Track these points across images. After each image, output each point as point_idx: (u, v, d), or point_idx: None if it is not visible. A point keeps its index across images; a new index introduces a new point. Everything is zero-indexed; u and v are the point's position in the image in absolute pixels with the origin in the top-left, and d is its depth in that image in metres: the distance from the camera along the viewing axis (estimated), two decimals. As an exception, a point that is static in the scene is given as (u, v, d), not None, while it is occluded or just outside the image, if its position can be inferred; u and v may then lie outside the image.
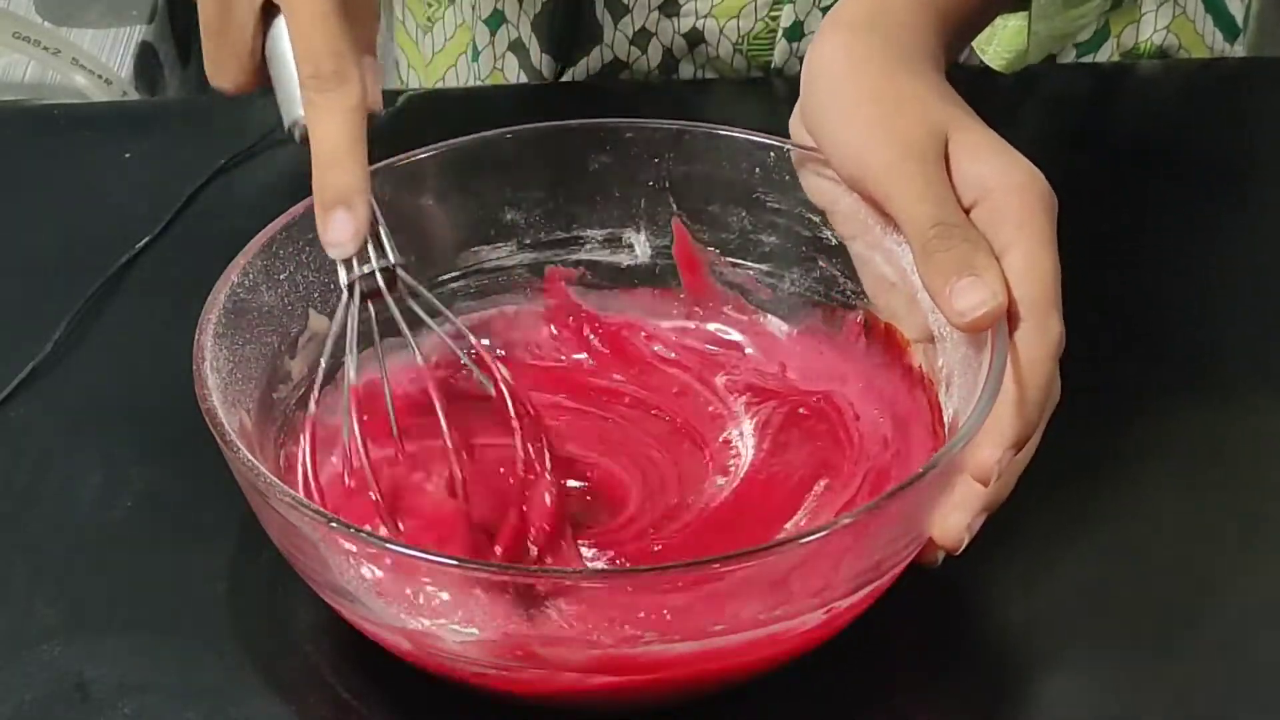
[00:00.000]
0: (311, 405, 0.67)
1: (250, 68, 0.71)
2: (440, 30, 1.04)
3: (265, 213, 0.71)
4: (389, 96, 0.98)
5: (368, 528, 0.64)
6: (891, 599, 0.64)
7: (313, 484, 0.67)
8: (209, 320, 0.66)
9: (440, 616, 0.59)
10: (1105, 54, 1.02)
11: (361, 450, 0.66)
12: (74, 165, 0.94)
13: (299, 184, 0.75)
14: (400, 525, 0.66)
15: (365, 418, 0.67)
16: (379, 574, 0.59)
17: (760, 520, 0.69)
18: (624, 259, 0.77)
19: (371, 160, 0.73)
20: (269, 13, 0.69)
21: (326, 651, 0.66)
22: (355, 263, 0.67)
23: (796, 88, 0.71)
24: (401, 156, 0.74)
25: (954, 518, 0.63)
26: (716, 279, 0.77)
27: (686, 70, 1.01)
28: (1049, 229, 0.65)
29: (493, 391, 0.69)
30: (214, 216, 0.89)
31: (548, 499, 0.67)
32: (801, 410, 0.73)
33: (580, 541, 0.68)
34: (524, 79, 1.02)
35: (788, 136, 0.73)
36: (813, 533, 0.58)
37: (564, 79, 1.01)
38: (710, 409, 0.74)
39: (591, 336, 0.77)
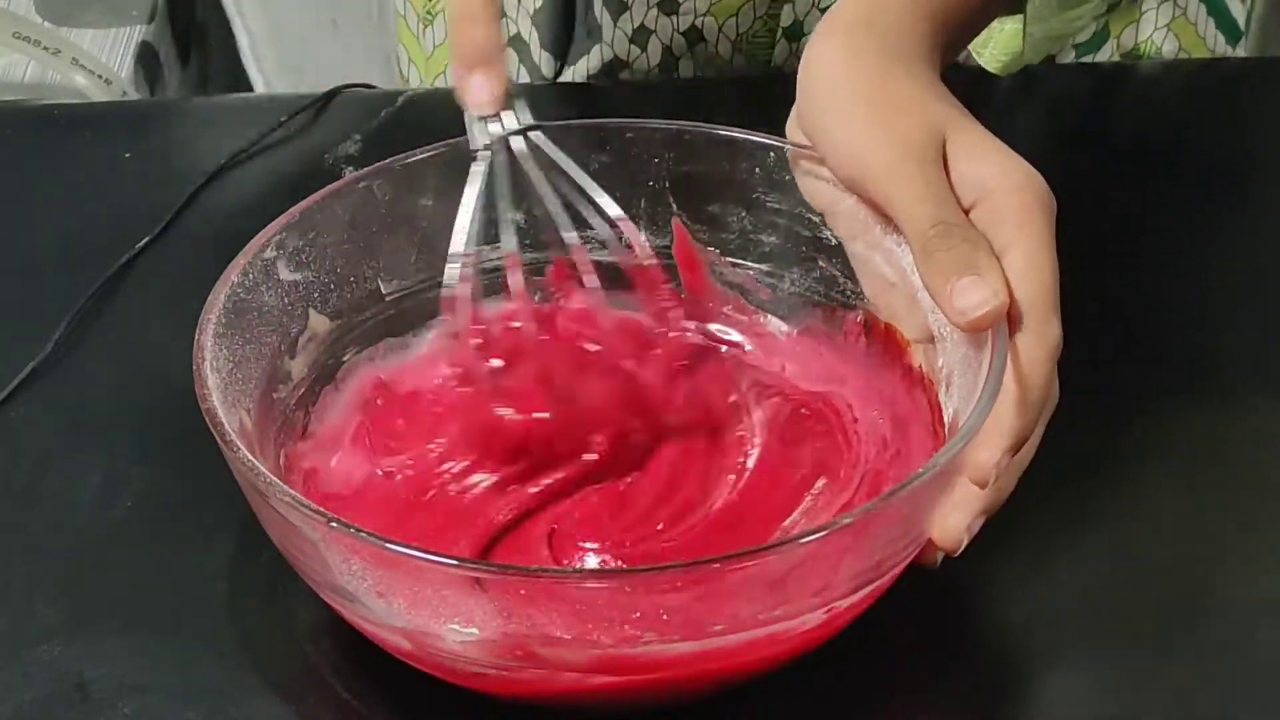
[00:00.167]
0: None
1: None
2: (441, 24, 1.04)
3: (265, 213, 0.71)
4: (389, 96, 0.98)
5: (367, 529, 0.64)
6: (891, 599, 0.64)
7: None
8: (209, 320, 0.66)
9: (440, 616, 0.59)
10: (1105, 55, 1.02)
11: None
12: (74, 165, 0.94)
13: (299, 184, 0.75)
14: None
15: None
16: (379, 574, 0.59)
17: (760, 520, 0.69)
18: (624, 259, 0.77)
19: (372, 160, 0.74)
20: None
21: (326, 651, 0.66)
22: (489, 124, 0.67)
23: (796, 87, 0.71)
24: (401, 156, 0.74)
25: (953, 519, 0.63)
26: (716, 279, 0.77)
27: (686, 68, 1.01)
28: (1048, 230, 0.65)
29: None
30: (214, 216, 0.89)
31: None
32: (802, 410, 0.73)
33: (589, 542, 0.68)
34: (524, 75, 1.02)
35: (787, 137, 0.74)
36: (813, 533, 0.58)
37: (564, 76, 1.01)
38: (710, 409, 0.74)
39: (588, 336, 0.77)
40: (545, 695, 0.62)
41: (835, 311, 0.74)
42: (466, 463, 0.70)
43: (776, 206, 0.74)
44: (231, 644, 0.67)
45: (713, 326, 0.77)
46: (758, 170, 0.74)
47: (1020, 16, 0.83)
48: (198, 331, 0.66)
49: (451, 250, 0.68)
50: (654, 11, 0.99)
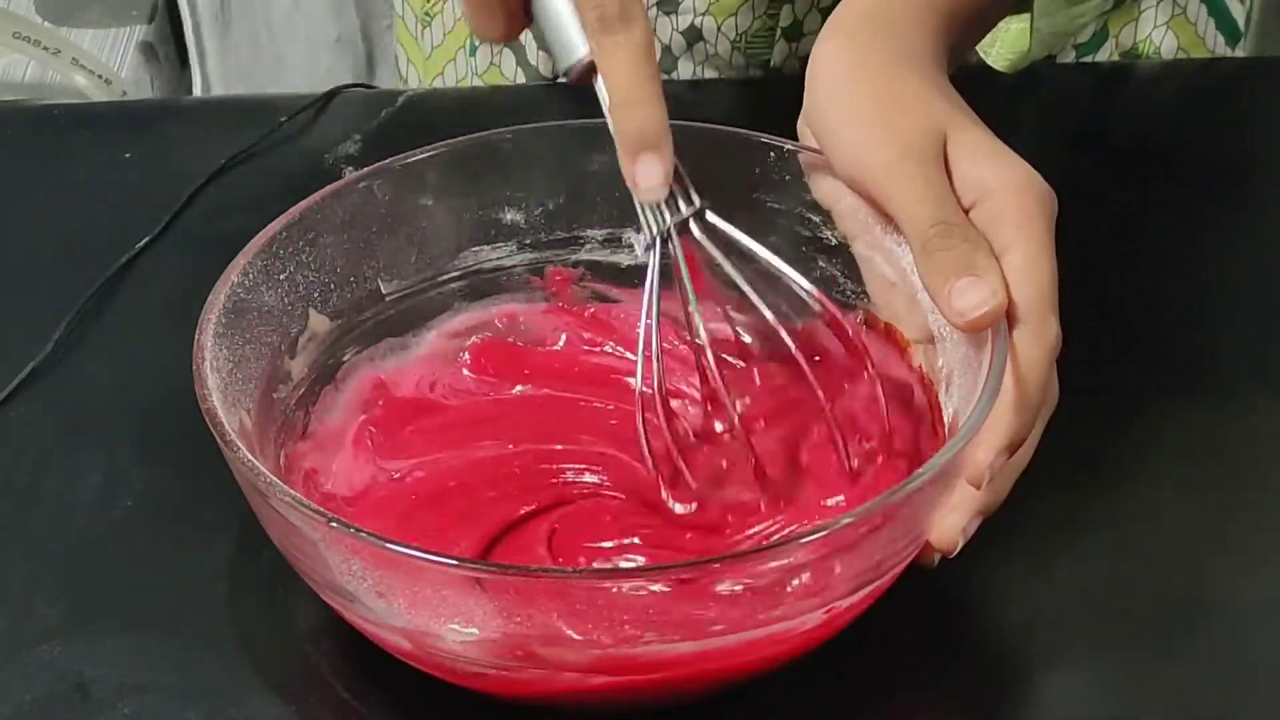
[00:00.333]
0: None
1: (517, 14, 0.68)
2: (439, 25, 1.04)
3: (265, 213, 0.71)
4: (389, 96, 0.98)
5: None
6: (891, 599, 0.64)
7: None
8: (209, 320, 0.66)
9: (440, 616, 0.59)
10: (1104, 54, 1.02)
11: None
12: (74, 165, 0.94)
13: (299, 184, 0.75)
14: None
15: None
16: (379, 574, 0.59)
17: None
18: (624, 259, 0.77)
19: (372, 160, 0.73)
20: None
21: (326, 651, 0.66)
22: (663, 209, 0.66)
23: (796, 87, 0.71)
24: (401, 156, 0.74)
25: (949, 520, 0.63)
26: (717, 279, 0.76)
27: (685, 68, 1.01)
28: (1048, 230, 0.65)
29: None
30: (214, 216, 0.89)
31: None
32: (801, 411, 0.73)
33: (589, 542, 0.68)
34: (521, 76, 1.02)
35: (788, 136, 0.73)
36: (813, 532, 0.58)
37: (563, 78, 1.01)
38: (710, 409, 0.74)
39: (588, 336, 0.77)
40: (545, 695, 0.62)
41: (835, 311, 0.74)
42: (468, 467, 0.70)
43: (776, 206, 0.74)
44: (231, 644, 0.67)
45: (712, 326, 0.77)
46: (758, 170, 0.74)
47: (1026, 15, 0.83)
48: (198, 331, 0.66)
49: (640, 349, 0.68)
50: (653, 11, 0.99)
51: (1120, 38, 1.02)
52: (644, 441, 0.68)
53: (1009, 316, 0.63)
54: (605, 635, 0.59)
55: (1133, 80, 1.01)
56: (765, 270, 0.69)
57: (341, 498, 0.70)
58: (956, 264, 0.63)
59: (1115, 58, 1.02)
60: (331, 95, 0.97)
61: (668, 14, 0.99)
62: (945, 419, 0.68)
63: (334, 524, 0.58)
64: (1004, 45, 0.89)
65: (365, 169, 0.73)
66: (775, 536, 0.68)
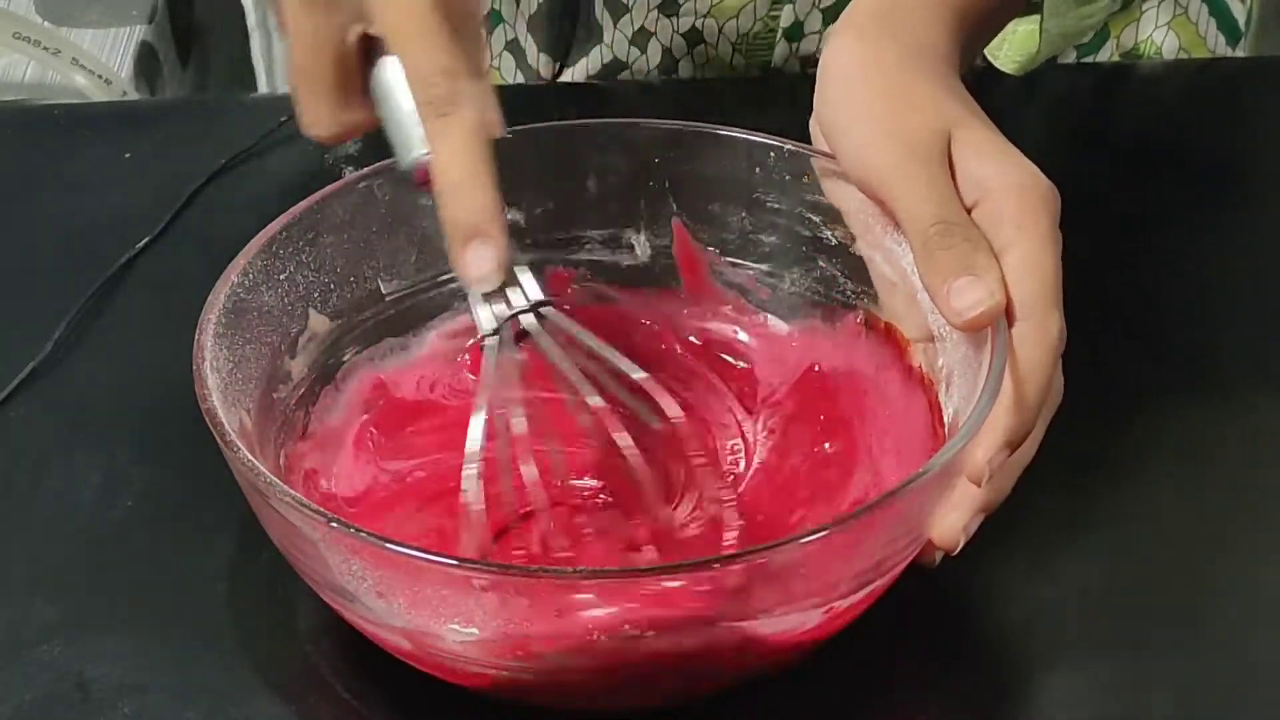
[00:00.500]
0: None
1: (351, 112, 0.66)
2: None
3: (265, 213, 0.71)
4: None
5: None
6: (891, 599, 0.64)
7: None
8: (209, 320, 0.66)
9: (440, 616, 0.59)
10: (1105, 54, 1.02)
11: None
12: (74, 165, 0.94)
13: (299, 184, 0.75)
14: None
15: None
16: (379, 574, 0.59)
17: (762, 522, 0.69)
18: (624, 259, 0.77)
19: (372, 160, 0.73)
20: (369, 51, 0.65)
21: (326, 651, 0.66)
22: (501, 301, 0.64)
23: (796, 87, 0.71)
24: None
25: (951, 518, 0.63)
26: (716, 279, 0.77)
27: (686, 70, 1.01)
28: (1051, 229, 0.65)
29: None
30: (214, 216, 0.89)
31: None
32: (801, 411, 0.73)
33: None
34: (521, 78, 1.02)
35: (787, 136, 0.74)
36: (813, 533, 0.58)
37: (563, 78, 1.01)
38: (712, 410, 0.74)
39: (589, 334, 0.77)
40: (545, 695, 0.62)
41: (835, 311, 0.74)
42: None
43: (776, 206, 0.74)
44: (231, 644, 0.67)
45: (712, 326, 0.77)
46: (758, 170, 0.74)
47: (1034, 17, 0.83)
48: (198, 331, 0.66)
49: (468, 449, 0.64)
50: (654, 13, 0.99)
51: (1121, 38, 1.02)
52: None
53: (1009, 314, 0.63)
54: (605, 635, 0.59)
55: (1134, 80, 1.01)
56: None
57: (342, 498, 0.70)
58: (956, 263, 0.63)
59: (1116, 58, 1.02)
60: (332, 95, 0.97)
61: (668, 16, 0.99)
62: (945, 419, 0.68)
63: (334, 524, 0.58)
64: (1012, 47, 0.89)
65: (365, 169, 0.73)
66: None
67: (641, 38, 1.00)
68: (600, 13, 0.99)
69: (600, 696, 0.62)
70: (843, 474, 0.70)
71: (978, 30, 0.75)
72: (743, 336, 0.76)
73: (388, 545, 0.58)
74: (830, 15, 0.98)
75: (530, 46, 1.00)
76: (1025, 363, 0.63)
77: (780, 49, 0.99)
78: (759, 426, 0.73)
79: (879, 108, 0.67)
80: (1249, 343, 0.81)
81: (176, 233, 0.87)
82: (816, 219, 0.73)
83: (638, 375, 0.67)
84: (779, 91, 0.98)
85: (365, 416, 0.73)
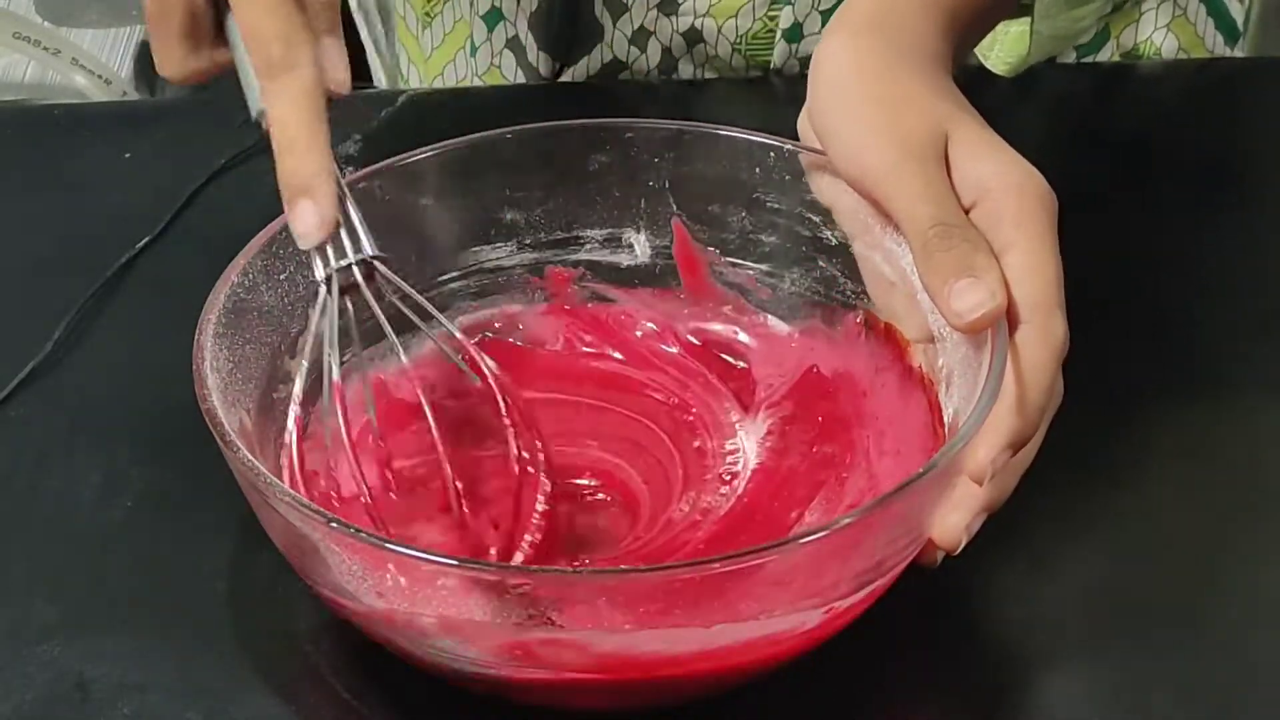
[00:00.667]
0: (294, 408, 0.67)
1: (199, 58, 0.70)
2: (439, 25, 1.04)
3: (265, 213, 0.71)
4: (389, 96, 0.98)
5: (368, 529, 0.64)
6: (891, 599, 0.64)
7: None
8: (209, 320, 0.66)
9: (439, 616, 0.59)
10: (1105, 55, 1.02)
11: (352, 458, 0.66)
12: (74, 165, 0.94)
13: (299, 184, 0.75)
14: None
15: (349, 423, 0.67)
16: (379, 574, 0.59)
17: (762, 522, 0.69)
18: (624, 259, 0.77)
19: (372, 160, 0.73)
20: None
21: (326, 651, 0.66)
22: (331, 254, 0.66)
23: (796, 87, 0.71)
24: (401, 156, 0.74)
25: (953, 518, 0.63)
26: (716, 279, 0.77)
27: (685, 70, 1.01)
28: (1050, 229, 0.65)
29: (479, 384, 0.69)
30: (214, 216, 0.89)
31: (540, 504, 0.67)
32: (801, 411, 0.73)
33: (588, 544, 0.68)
34: (521, 76, 1.02)
35: (787, 136, 0.74)
36: (813, 533, 0.58)
37: (563, 78, 1.01)
38: (711, 410, 0.74)
39: (588, 337, 0.77)
40: (545, 695, 0.62)
41: (835, 311, 0.74)
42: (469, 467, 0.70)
43: (776, 206, 0.74)
44: (231, 644, 0.67)
45: (712, 327, 0.77)
46: (758, 170, 0.74)
47: (1025, 19, 0.83)
48: (198, 331, 0.66)
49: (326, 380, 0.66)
50: (654, 13, 0.99)
51: (1121, 39, 1.02)
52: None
53: (1010, 315, 0.63)
54: (605, 635, 0.59)
55: (1133, 80, 1.01)
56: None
57: (341, 498, 0.70)
58: (956, 265, 0.63)
59: (1116, 58, 1.02)
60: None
61: (668, 15, 0.99)
62: (945, 419, 0.68)
63: (334, 524, 0.58)
64: (1003, 48, 0.89)
65: (365, 169, 0.73)
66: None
67: (641, 37, 1.00)
68: (600, 12, 0.99)
69: (600, 697, 0.62)
70: (842, 474, 0.70)
71: (969, 31, 0.75)
72: (743, 337, 0.76)
73: (388, 545, 0.58)
74: (830, 17, 0.98)
75: (530, 44, 1.00)
76: (1028, 365, 0.62)
77: (780, 50, 0.99)
78: (759, 427, 0.73)
79: (873, 108, 0.67)
80: (1249, 343, 0.81)
81: (176, 233, 0.87)
82: (816, 219, 0.73)
83: (459, 335, 0.69)
84: (779, 91, 0.98)
85: (365, 417, 0.73)
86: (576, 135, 0.76)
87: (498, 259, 0.77)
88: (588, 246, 0.77)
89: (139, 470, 0.74)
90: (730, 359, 0.76)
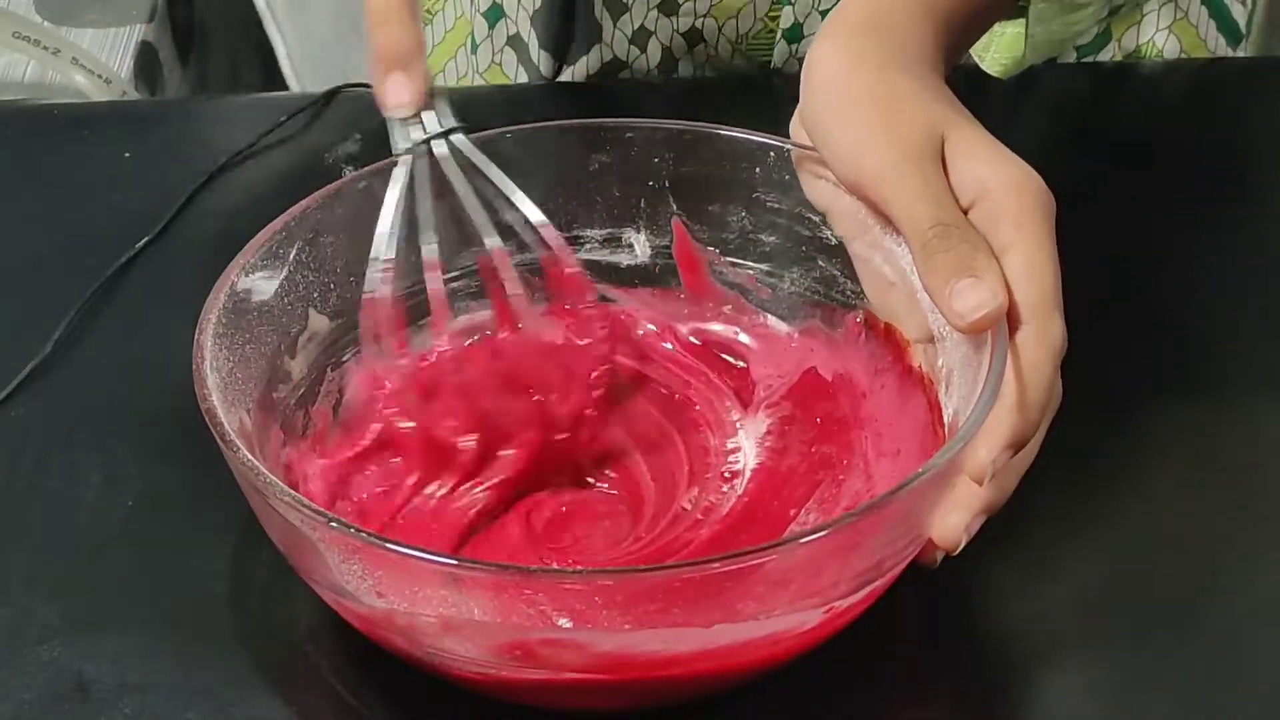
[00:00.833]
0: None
1: None
2: (440, 22, 1.04)
3: (265, 213, 0.71)
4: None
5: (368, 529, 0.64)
6: (891, 599, 0.64)
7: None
8: (209, 320, 0.66)
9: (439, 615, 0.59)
10: (1106, 56, 1.02)
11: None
12: (74, 165, 0.94)
13: (299, 184, 0.75)
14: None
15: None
16: (379, 574, 0.59)
17: (763, 522, 0.69)
18: (624, 259, 0.77)
19: (372, 160, 0.73)
20: None
21: (326, 651, 0.66)
22: (410, 127, 0.68)
23: (796, 87, 0.71)
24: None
25: (952, 518, 0.63)
26: (716, 279, 0.77)
27: (686, 69, 1.01)
28: (1048, 229, 0.65)
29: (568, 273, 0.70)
30: (214, 216, 0.89)
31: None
32: (801, 411, 0.73)
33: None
34: (522, 74, 1.02)
35: (787, 136, 0.73)
36: (813, 533, 0.58)
37: (563, 77, 1.01)
38: (714, 408, 0.74)
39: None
40: (545, 695, 0.62)
41: (835, 311, 0.74)
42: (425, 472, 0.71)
43: (776, 206, 0.74)
44: (231, 644, 0.67)
45: (712, 327, 0.77)
46: (758, 170, 0.74)
47: (1020, 21, 0.83)
48: (198, 331, 0.66)
49: (372, 255, 0.69)
50: (654, 13, 0.99)
51: (1123, 41, 1.02)
52: None
53: (1011, 316, 0.63)
54: (605, 635, 0.59)
55: (1133, 80, 1.01)
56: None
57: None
58: (956, 265, 0.63)
59: (1117, 59, 1.02)
60: (331, 95, 0.97)
61: (668, 15, 0.99)
62: (945, 419, 0.68)
63: (334, 524, 0.58)
64: (998, 50, 0.89)
65: (365, 169, 0.73)
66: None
67: (641, 36, 1.00)
68: (600, 11, 0.99)
69: (600, 697, 0.62)
70: (840, 476, 0.70)
71: (963, 34, 0.75)
72: (743, 337, 0.76)
73: (388, 545, 0.58)
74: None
75: (532, 42, 1.00)
76: (1028, 364, 0.63)
77: (780, 50, 0.99)
78: (758, 426, 0.73)
79: (869, 110, 0.67)
80: (1249, 342, 0.81)
81: (176, 233, 0.88)
82: (816, 219, 0.73)
83: (536, 218, 0.70)
84: (779, 91, 0.98)
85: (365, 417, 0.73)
86: (576, 135, 0.76)
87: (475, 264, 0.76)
88: (588, 246, 0.77)
89: (139, 470, 0.74)
90: (730, 359, 0.76)
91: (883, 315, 0.72)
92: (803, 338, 0.75)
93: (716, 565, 0.58)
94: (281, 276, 0.70)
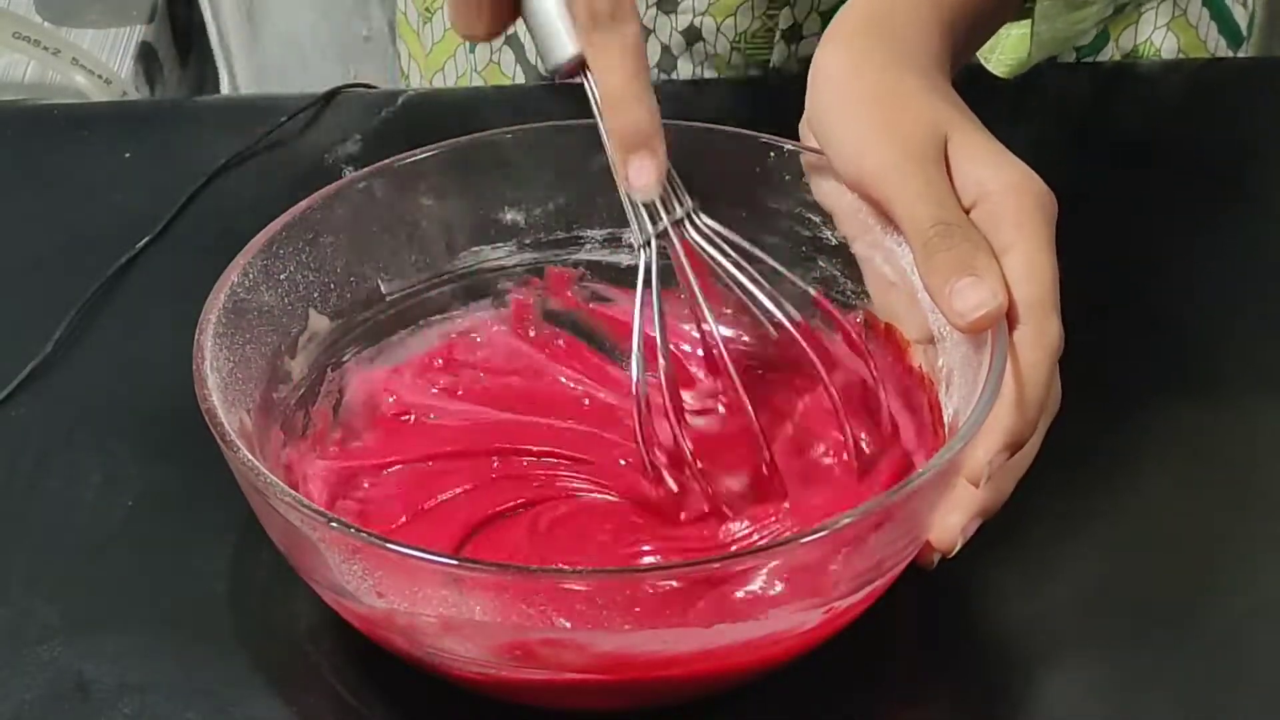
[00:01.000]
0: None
1: (502, 11, 0.68)
2: (440, 21, 1.04)
3: (265, 213, 0.71)
4: (389, 96, 0.98)
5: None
6: (891, 599, 0.64)
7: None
8: (209, 320, 0.66)
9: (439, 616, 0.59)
10: (1105, 57, 1.02)
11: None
12: (74, 165, 0.94)
13: (299, 184, 0.75)
14: None
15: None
16: (379, 574, 0.59)
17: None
18: (624, 259, 0.77)
19: (372, 160, 0.73)
20: None
21: (326, 651, 0.66)
22: (657, 208, 0.67)
23: (796, 87, 0.71)
24: (401, 156, 0.74)
25: (949, 520, 0.63)
26: (717, 279, 0.76)
27: (684, 68, 1.01)
28: (1048, 231, 0.65)
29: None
30: (214, 216, 0.89)
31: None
32: (801, 411, 0.73)
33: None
34: (520, 73, 1.02)
35: (787, 136, 0.74)
36: (813, 533, 0.58)
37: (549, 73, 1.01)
38: (718, 406, 0.74)
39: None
40: (545, 695, 0.62)
41: (835, 312, 0.74)
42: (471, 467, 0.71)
43: (776, 206, 0.74)
44: (231, 644, 0.67)
45: (712, 326, 0.77)
46: (758, 170, 0.74)
47: (1027, 22, 0.83)
48: (198, 331, 0.66)
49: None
50: (653, 11, 0.99)
51: (1120, 41, 1.02)
52: (644, 452, 0.68)
53: (1010, 317, 0.63)
54: (605, 635, 0.59)
55: (1133, 80, 1.01)
56: (761, 270, 0.69)
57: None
58: (957, 264, 0.63)
59: (1116, 58, 1.02)
60: (331, 95, 0.97)
61: (667, 13, 0.99)
62: (945, 419, 0.68)
63: (334, 524, 0.58)
64: (1004, 51, 0.89)
65: (365, 169, 0.73)
66: (776, 536, 0.68)
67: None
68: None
69: (600, 697, 0.62)
70: (842, 474, 0.70)
71: (968, 37, 0.75)
72: (744, 337, 0.76)
73: (388, 545, 0.58)
74: (829, 18, 0.98)
75: (529, 42, 1.00)
76: (1026, 365, 0.63)
77: (779, 50, 0.99)
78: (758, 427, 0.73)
79: (872, 110, 0.68)
80: (1248, 342, 0.81)
81: (176, 233, 0.88)
82: (816, 219, 0.73)
83: (775, 310, 0.69)
84: (779, 91, 0.98)
85: (365, 417, 0.73)
86: (576, 135, 0.75)
87: (498, 259, 0.77)
88: (588, 246, 0.77)
89: (139, 470, 0.74)
90: (730, 359, 0.76)
91: (883, 315, 0.72)
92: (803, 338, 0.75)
93: (716, 565, 0.59)
94: (281, 276, 0.70)
